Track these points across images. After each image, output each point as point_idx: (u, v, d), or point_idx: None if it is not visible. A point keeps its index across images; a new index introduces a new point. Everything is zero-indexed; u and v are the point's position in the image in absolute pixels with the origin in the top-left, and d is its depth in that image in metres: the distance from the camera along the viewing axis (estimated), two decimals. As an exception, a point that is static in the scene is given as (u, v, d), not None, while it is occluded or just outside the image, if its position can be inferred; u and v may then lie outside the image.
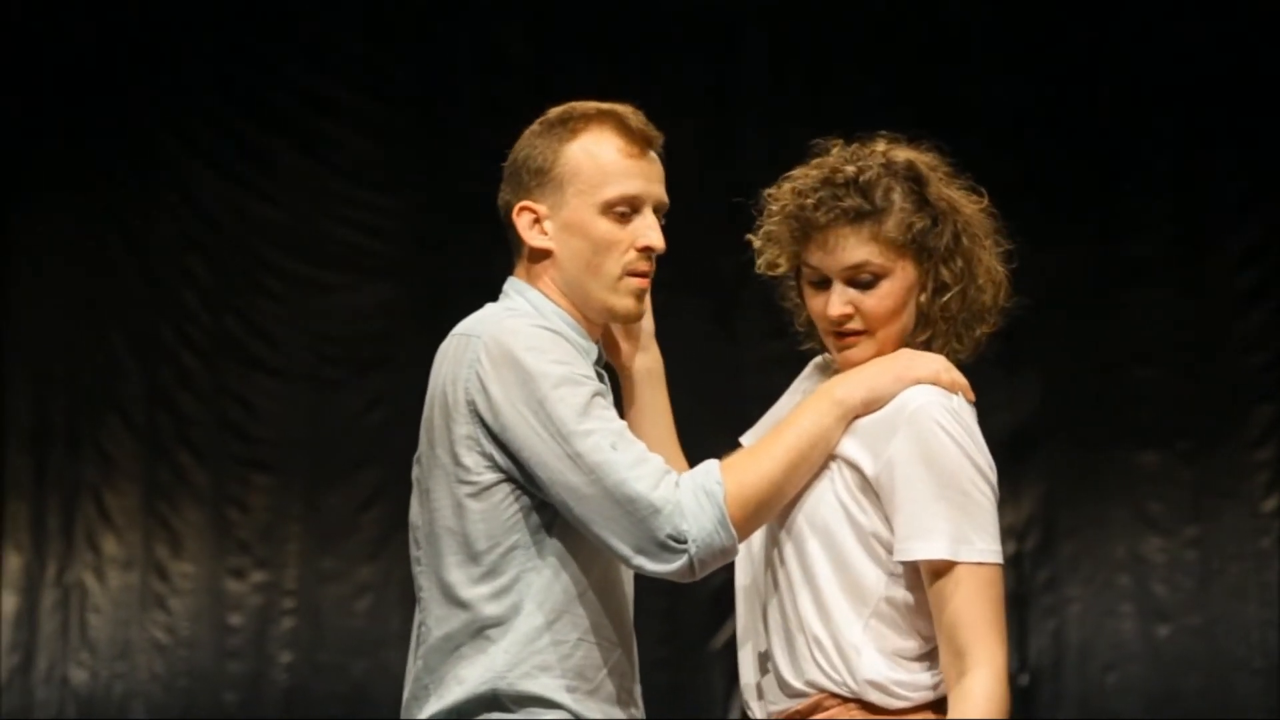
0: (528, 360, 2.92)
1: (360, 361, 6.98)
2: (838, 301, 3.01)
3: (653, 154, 3.09)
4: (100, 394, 6.97)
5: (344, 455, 6.94)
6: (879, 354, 3.02)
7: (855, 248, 3.00)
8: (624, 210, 3.04)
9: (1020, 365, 6.60)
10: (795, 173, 3.09)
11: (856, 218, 2.99)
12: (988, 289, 3.05)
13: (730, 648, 6.63)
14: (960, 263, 3.03)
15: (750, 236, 3.15)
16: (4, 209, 7.01)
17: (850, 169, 3.03)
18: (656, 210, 3.08)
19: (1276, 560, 6.77)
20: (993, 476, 2.94)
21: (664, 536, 2.87)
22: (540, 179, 3.07)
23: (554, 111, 3.10)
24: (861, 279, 3.00)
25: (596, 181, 3.04)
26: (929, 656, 2.97)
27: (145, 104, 7.01)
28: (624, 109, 3.08)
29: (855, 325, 3.01)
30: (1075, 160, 6.90)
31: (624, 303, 3.06)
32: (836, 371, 3.15)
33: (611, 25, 6.93)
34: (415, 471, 3.06)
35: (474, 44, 7.02)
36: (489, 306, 3.10)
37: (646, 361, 3.28)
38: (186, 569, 6.96)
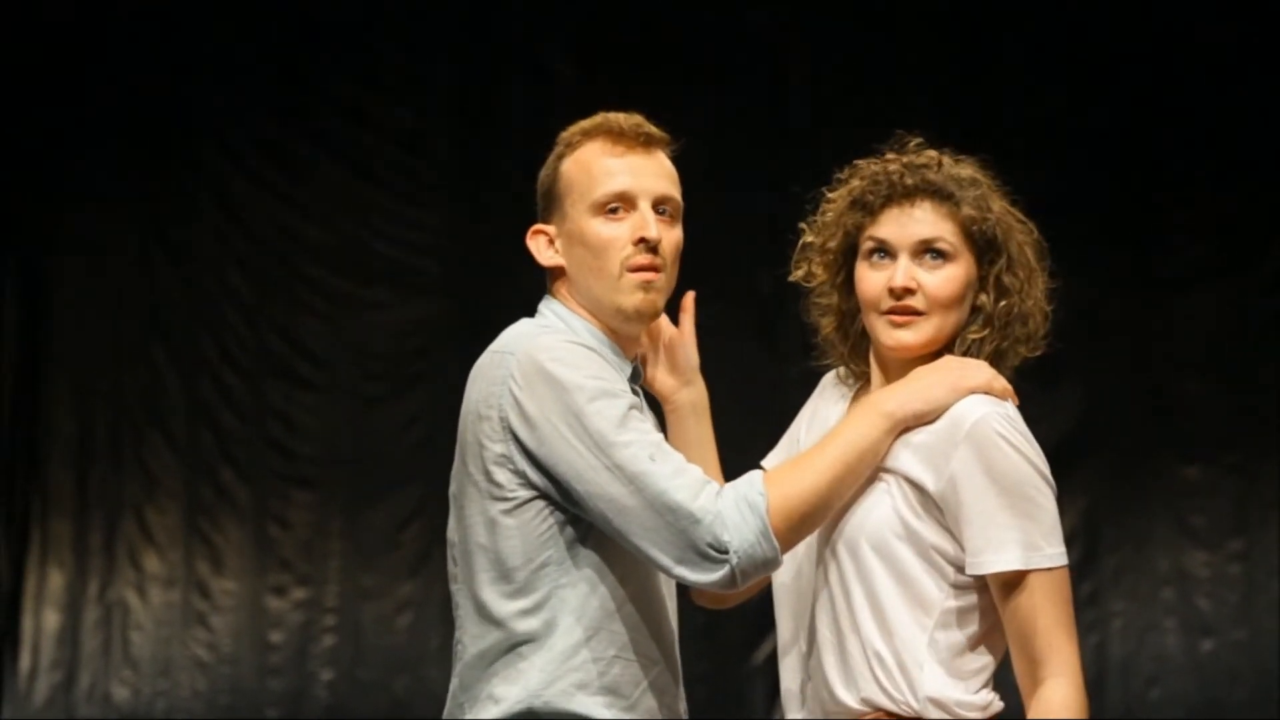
0: (562, 375, 2.93)
1: (402, 378, 6.99)
2: (903, 273, 3.00)
3: (649, 151, 3.10)
4: (142, 411, 6.99)
5: (385, 472, 6.95)
6: (931, 341, 3.02)
7: (935, 221, 3.02)
8: (615, 207, 3.06)
9: (1062, 378, 6.58)
10: (872, 158, 3.13)
11: (939, 193, 3.02)
12: (1036, 313, 3.06)
13: (771, 662, 6.63)
14: (1021, 274, 3.04)
15: (803, 225, 3.17)
16: (48, 225, 7.05)
17: (932, 152, 3.08)
18: (659, 204, 3.08)
19: (1320, 574, 6.75)
20: (1050, 476, 2.95)
21: (705, 546, 2.86)
22: (547, 200, 3.14)
23: (561, 134, 3.16)
24: (931, 254, 3.01)
25: (586, 187, 3.08)
26: (984, 672, 2.97)
27: (190, 121, 7.04)
28: (616, 115, 3.12)
29: (915, 303, 3.00)
30: (1115, 171, 6.89)
31: (631, 299, 3.06)
32: (863, 385, 3.15)
33: (654, 42, 6.94)
34: (451, 488, 3.07)
35: (517, 61, 7.04)
36: (524, 322, 3.11)
37: (691, 395, 3.29)
38: (228, 586, 6.98)
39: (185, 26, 7.02)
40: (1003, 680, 2.98)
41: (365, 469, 6.98)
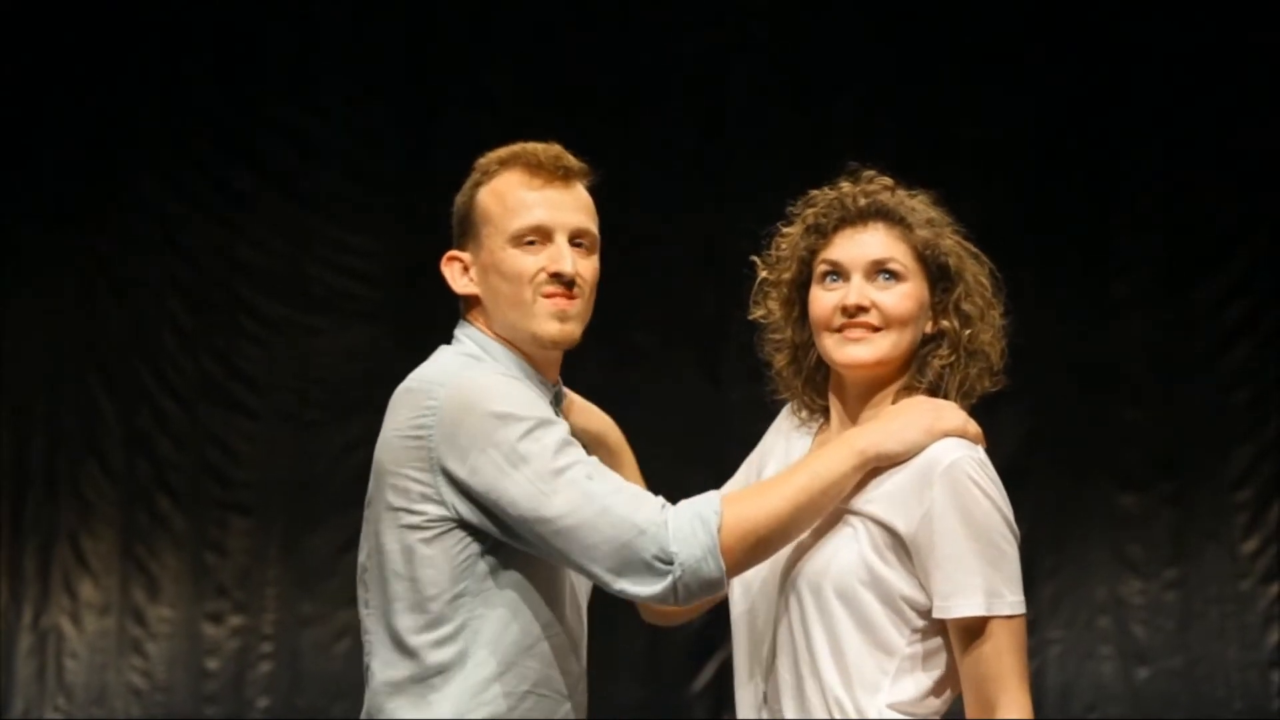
0: (495, 408, 2.92)
1: (340, 404, 6.96)
2: (856, 292, 3.01)
3: (567, 184, 3.11)
4: (79, 438, 6.94)
5: (323, 498, 6.92)
6: (884, 359, 3.02)
7: (888, 243, 3.03)
8: (532, 240, 3.06)
9: (1001, 404, 6.59)
10: (826, 187, 3.14)
11: (891, 216, 3.04)
12: (994, 345, 3.09)
13: (710, 691, 6.62)
14: (980, 303, 3.06)
15: (754, 258, 3.18)
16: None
17: (887, 179, 3.10)
18: (575, 237, 3.09)
19: (1256, 602, 6.78)
20: (1015, 525, 2.96)
21: (649, 557, 2.85)
22: (462, 228, 3.14)
23: (478, 161, 3.16)
24: (883, 275, 3.02)
25: (503, 218, 3.08)
26: (941, 710, 2.98)
27: (128, 146, 7.00)
28: (535, 145, 3.12)
29: (870, 320, 3.01)
30: (1060, 196, 6.92)
31: (545, 326, 3.06)
32: (824, 421, 3.15)
33: (597, 70, 6.94)
34: (366, 513, 3.07)
35: (459, 87, 7.02)
36: (445, 351, 3.12)
37: (585, 421, 3.31)
38: (164, 613, 6.93)
39: (126, 52, 6.99)
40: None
41: (303, 495, 6.94)
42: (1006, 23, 6.94)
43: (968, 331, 3.04)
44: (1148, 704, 6.77)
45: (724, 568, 2.87)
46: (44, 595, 6.92)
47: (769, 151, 6.70)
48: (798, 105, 6.94)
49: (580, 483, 2.88)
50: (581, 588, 3.09)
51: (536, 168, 3.09)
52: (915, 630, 2.93)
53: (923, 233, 3.03)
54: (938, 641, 2.95)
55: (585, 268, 3.09)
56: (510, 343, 3.09)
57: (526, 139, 3.16)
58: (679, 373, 6.57)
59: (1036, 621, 6.78)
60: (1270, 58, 6.84)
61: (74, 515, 6.94)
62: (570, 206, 3.10)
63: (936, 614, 2.90)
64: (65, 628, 6.92)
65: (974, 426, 3.00)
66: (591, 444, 3.30)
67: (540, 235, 3.07)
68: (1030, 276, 6.68)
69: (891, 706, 2.92)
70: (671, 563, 2.85)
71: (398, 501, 2.98)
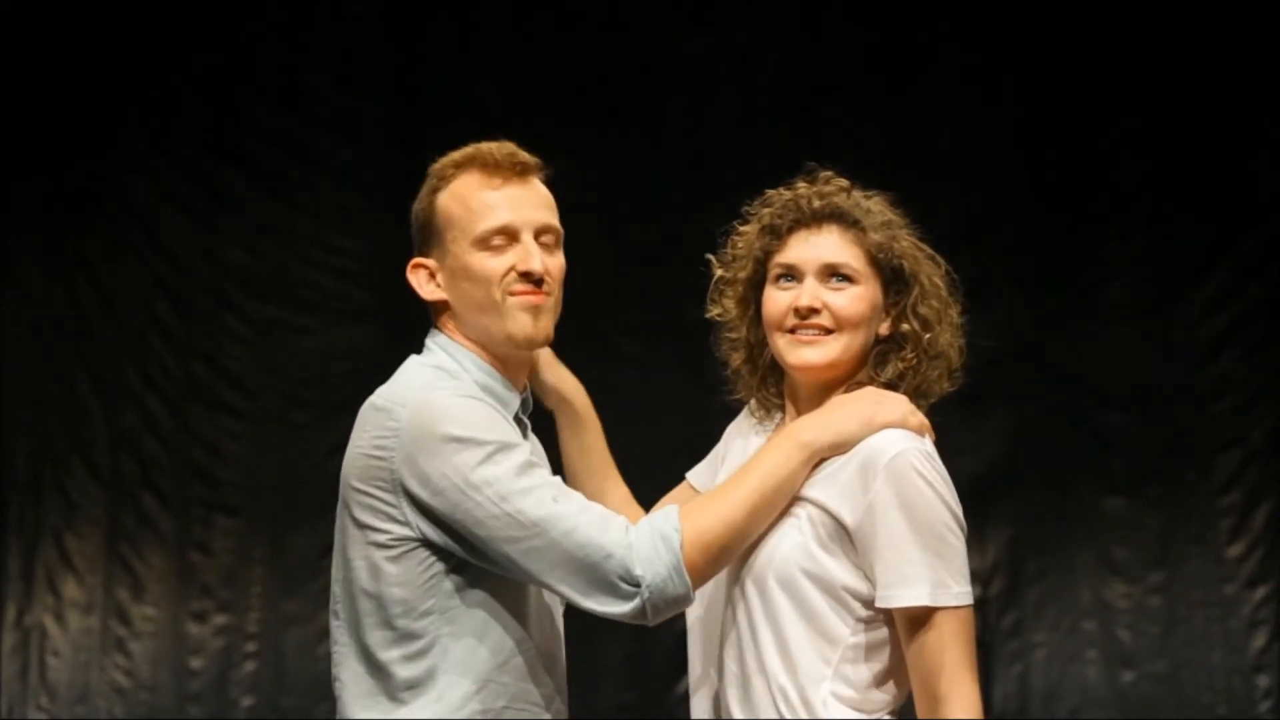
0: (457, 432, 2.92)
1: (326, 405, 6.95)
2: (809, 294, 3.03)
3: (525, 180, 3.12)
4: (64, 438, 6.93)
5: (309, 498, 6.90)
6: (835, 361, 3.04)
7: (841, 246, 3.05)
8: (499, 242, 3.07)
9: (987, 409, 6.61)
10: (781, 188, 3.15)
11: (845, 219, 3.06)
12: (951, 347, 3.10)
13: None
14: (937, 305, 3.07)
15: (710, 256, 3.20)
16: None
17: (844, 181, 3.12)
18: (540, 234, 3.09)
19: (1241, 606, 6.79)
20: (962, 518, 2.96)
21: (615, 579, 2.86)
22: (424, 235, 3.17)
23: (432, 167, 3.16)
24: (836, 278, 3.04)
25: (467, 221, 3.09)
26: (889, 705, 2.98)
27: (114, 147, 6.99)
28: (489, 145, 3.13)
29: (823, 321, 3.03)
30: (1046, 205, 6.92)
31: (518, 324, 3.07)
32: (781, 419, 3.16)
33: (583, 75, 6.94)
34: (336, 526, 3.07)
35: (445, 89, 7.02)
36: (413, 365, 3.12)
37: (555, 379, 3.33)
38: (148, 612, 6.92)
39: (113, 56, 6.98)
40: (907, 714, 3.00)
41: (289, 495, 6.93)
42: (993, 31, 6.95)
43: (928, 335, 3.05)
44: (1132, 708, 6.77)
45: (689, 583, 2.89)
46: (27, 593, 6.91)
47: (755, 155, 6.70)
48: (784, 110, 6.94)
49: (546, 504, 2.89)
50: (555, 600, 3.10)
51: (494, 167, 3.10)
52: (859, 620, 2.95)
53: (877, 235, 3.05)
54: (884, 634, 2.96)
55: (553, 264, 3.10)
56: (482, 347, 3.10)
57: (515, 141, 3.16)
58: (664, 373, 6.57)
59: (1021, 624, 6.79)
60: (1255, 69, 6.85)
61: (59, 514, 6.93)
62: (533, 203, 3.10)
63: (880, 604, 2.92)
64: (49, 626, 6.91)
65: (918, 418, 3.00)
66: (558, 404, 3.34)
67: (506, 235, 3.07)
68: (1017, 284, 6.69)
69: (835, 696, 2.93)
70: (638, 585, 2.86)
71: (363, 518, 2.99)
